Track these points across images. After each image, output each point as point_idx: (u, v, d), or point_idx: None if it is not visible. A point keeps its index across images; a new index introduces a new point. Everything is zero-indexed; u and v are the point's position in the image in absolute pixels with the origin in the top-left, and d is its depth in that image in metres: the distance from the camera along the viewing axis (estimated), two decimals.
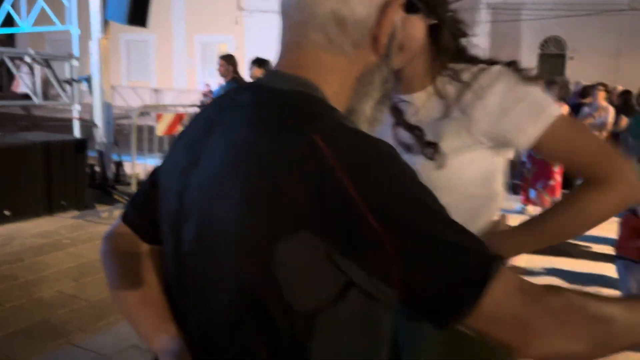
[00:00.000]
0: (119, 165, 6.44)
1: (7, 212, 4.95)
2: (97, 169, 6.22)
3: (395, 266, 0.59)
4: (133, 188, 5.23)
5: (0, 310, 3.21)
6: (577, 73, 13.23)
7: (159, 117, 5.68)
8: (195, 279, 0.72)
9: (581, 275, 4.23)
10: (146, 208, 0.85)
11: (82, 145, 5.70)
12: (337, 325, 0.64)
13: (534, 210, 5.39)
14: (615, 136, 6.29)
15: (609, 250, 3.37)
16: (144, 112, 6.68)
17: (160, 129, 5.46)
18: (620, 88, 7.39)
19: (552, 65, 15.70)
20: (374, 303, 0.64)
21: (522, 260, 4.59)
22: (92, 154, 6.07)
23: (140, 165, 5.83)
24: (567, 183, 5.54)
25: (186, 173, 0.73)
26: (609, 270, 3.63)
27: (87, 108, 6.40)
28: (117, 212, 5.41)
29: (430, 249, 0.60)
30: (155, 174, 0.85)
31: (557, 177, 5.38)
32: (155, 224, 0.82)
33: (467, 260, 0.60)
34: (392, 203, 0.60)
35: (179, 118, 5.91)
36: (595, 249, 4.63)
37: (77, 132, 6.50)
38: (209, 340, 0.72)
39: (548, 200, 5.27)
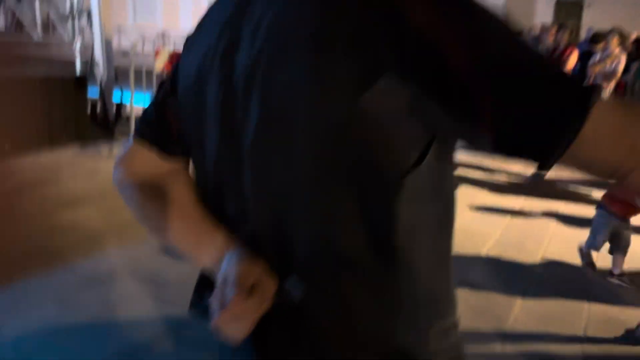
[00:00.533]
0: (119, 105, 6.44)
1: (7, 146, 4.99)
2: (98, 106, 6.22)
3: (487, 105, 0.55)
4: (132, 126, 5.23)
5: None
6: (594, 20, 12.81)
7: (157, 52, 5.60)
8: (265, 162, 0.66)
9: (579, 219, 4.24)
10: (164, 119, 0.78)
11: (82, 82, 5.67)
12: (417, 188, 0.63)
13: None
14: (624, 85, 6.13)
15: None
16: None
17: (159, 64, 5.38)
18: (634, 35, 7.14)
19: (567, 13, 15.20)
20: (448, 167, 0.66)
21: (518, 204, 4.61)
22: (94, 96, 6.05)
23: (138, 107, 5.80)
24: None
25: (230, 54, 0.67)
26: None
27: (89, 47, 6.33)
28: (117, 149, 5.44)
29: (523, 80, 0.55)
30: (171, 80, 0.78)
31: None
32: (173, 134, 0.77)
33: (564, 90, 0.55)
34: (480, 38, 0.56)
35: (177, 54, 5.81)
36: (595, 196, 4.61)
37: (77, 69, 6.45)
38: (286, 222, 0.66)
39: None
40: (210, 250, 0.72)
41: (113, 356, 2.14)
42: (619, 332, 2.64)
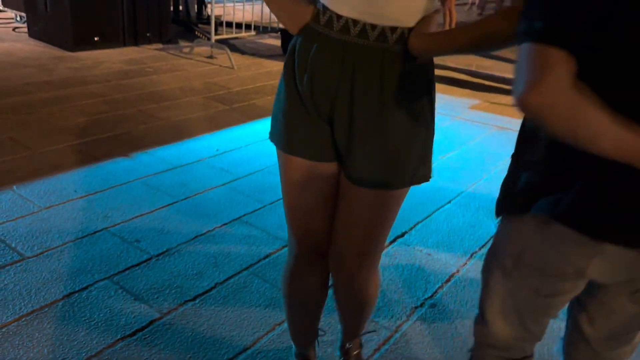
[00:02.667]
0: (201, 3, 6.48)
1: (96, 39, 5.21)
2: (180, 6, 6.31)
3: None
4: (212, 25, 5.27)
5: (87, 120, 3.51)
6: None
7: None
8: None
9: None
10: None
11: None
12: None
13: None
14: None
15: None
16: None
17: None
18: None
19: None
20: None
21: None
22: None
23: (219, 7, 5.79)
24: None
25: None
26: None
27: None
28: (198, 48, 5.54)
29: None
30: None
31: None
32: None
33: None
34: None
35: None
36: None
37: None
38: None
39: None
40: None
41: (190, 235, 2.32)
42: None
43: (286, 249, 1.44)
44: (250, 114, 3.88)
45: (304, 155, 1.15)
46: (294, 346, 1.58)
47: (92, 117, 3.57)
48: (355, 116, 1.07)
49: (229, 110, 3.98)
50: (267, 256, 2.20)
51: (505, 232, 1.01)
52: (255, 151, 3.22)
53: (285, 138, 1.16)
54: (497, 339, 1.10)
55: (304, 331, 1.51)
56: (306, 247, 1.29)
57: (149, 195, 2.63)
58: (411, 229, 2.49)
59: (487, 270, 1.07)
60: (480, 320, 1.11)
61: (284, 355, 1.68)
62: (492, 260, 1.05)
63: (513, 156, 0.98)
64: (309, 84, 1.08)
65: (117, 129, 3.40)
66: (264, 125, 3.64)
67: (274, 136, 1.21)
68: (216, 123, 3.70)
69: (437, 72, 1.20)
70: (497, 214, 1.01)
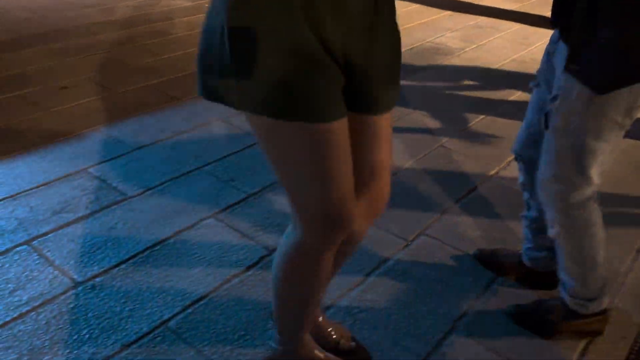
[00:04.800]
0: None
1: None
2: None
3: None
4: None
5: (157, 60, 3.49)
6: None
7: None
8: None
9: None
10: None
11: None
12: None
13: None
14: None
15: None
16: None
17: None
18: None
19: None
20: None
21: None
22: None
23: None
24: None
25: None
26: None
27: None
28: None
29: None
30: None
31: None
32: None
33: None
34: None
35: None
36: None
37: None
38: None
39: None
40: None
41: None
42: None
43: None
44: None
45: (341, 115, 0.98)
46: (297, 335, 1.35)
47: (163, 56, 3.55)
48: (372, 39, 1.00)
49: None
50: None
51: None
52: None
53: (318, 104, 0.95)
54: (594, 190, 1.37)
55: (315, 306, 1.30)
56: (348, 215, 1.09)
57: (232, 134, 2.62)
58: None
59: (583, 134, 1.28)
60: (580, 182, 1.34)
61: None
62: (592, 126, 1.27)
63: None
64: (333, 23, 0.92)
65: (190, 69, 3.38)
66: None
67: (295, 108, 0.94)
68: None
69: None
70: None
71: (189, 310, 1.59)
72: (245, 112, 0.98)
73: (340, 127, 0.99)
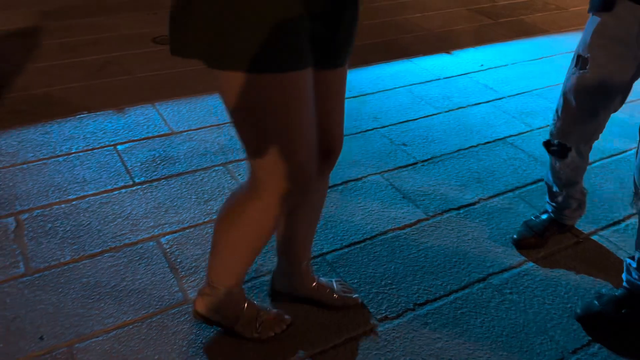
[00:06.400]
0: None
1: None
2: None
3: None
4: None
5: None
6: None
7: None
8: None
9: None
10: None
11: None
12: None
13: None
14: None
15: None
16: None
17: None
18: None
19: None
20: None
21: None
22: None
23: None
24: None
25: None
26: None
27: None
28: None
29: None
30: None
31: None
32: None
33: None
34: None
35: None
36: None
37: None
38: None
39: None
40: None
41: (453, 147, 2.35)
42: None
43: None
44: (517, 30, 3.63)
45: (310, 63, 1.03)
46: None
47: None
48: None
49: (495, 25, 3.77)
50: (534, 182, 2.12)
51: None
52: (522, 71, 3.02)
53: (297, 52, 0.99)
54: None
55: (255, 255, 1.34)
56: (313, 162, 1.14)
57: (413, 103, 2.70)
58: None
59: None
60: None
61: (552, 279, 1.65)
62: None
63: None
64: None
65: (381, 37, 3.50)
66: (533, 45, 3.38)
67: (275, 57, 0.97)
68: (481, 37, 3.56)
69: None
70: None
71: (346, 250, 1.74)
72: (216, 70, 1.00)
73: (308, 77, 1.05)
